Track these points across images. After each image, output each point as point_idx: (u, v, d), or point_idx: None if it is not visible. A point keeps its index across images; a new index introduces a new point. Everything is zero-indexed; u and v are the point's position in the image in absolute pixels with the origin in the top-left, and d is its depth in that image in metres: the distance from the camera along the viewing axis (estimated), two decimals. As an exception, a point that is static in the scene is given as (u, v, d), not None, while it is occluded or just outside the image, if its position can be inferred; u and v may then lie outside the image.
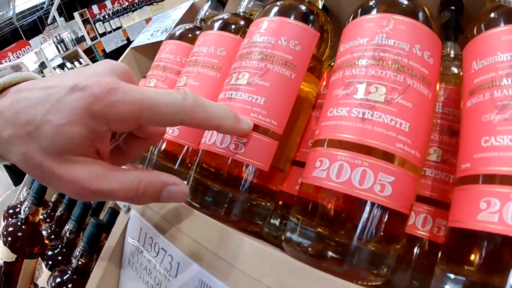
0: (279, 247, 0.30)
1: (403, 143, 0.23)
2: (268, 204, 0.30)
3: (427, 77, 0.25)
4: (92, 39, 3.15)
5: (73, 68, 2.93)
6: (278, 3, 0.34)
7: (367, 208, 0.22)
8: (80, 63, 2.95)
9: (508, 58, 0.22)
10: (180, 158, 0.36)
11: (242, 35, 0.38)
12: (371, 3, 0.29)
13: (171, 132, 0.36)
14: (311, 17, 0.32)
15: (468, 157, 0.22)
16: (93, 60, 3.04)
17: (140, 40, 0.63)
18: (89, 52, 3.11)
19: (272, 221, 0.32)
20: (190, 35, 0.46)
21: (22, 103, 0.20)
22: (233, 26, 0.39)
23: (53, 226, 0.62)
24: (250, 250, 0.22)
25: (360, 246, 0.22)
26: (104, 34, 3.11)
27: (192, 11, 0.58)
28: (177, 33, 0.46)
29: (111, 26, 3.09)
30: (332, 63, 0.36)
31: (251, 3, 0.42)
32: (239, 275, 0.22)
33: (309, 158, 0.26)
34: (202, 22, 0.48)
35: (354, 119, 0.24)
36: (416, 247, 0.27)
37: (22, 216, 0.58)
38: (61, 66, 2.93)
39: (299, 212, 0.25)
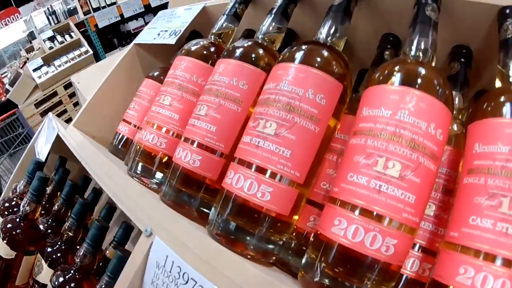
0: (289, 273, 0.35)
1: (408, 213, 0.28)
2: (284, 239, 0.34)
3: (435, 153, 0.29)
4: (85, 14, 2.96)
5: (63, 42, 2.73)
6: (304, 48, 0.35)
7: (374, 263, 0.27)
8: (71, 36, 2.79)
9: (506, 151, 0.26)
10: (202, 188, 0.38)
11: (264, 67, 0.39)
12: (396, 68, 0.31)
13: (192, 163, 0.38)
14: (337, 68, 0.34)
15: (457, 228, 0.27)
16: (85, 34, 2.92)
17: (145, 37, 0.59)
18: (81, 25, 2.96)
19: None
20: (205, 52, 0.45)
21: None
22: (253, 56, 0.39)
23: (50, 220, 0.63)
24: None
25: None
26: (98, 9, 2.96)
27: (203, 14, 0.55)
28: (193, 48, 0.46)
29: (105, 1, 2.96)
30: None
31: (271, 27, 0.42)
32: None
33: (328, 212, 0.30)
34: (217, 38, 0.48)
35: (372, 189, 0.28)
36: (402, 284, 0.33)
37: (21, 213, 0.58)
38: (51, 39, 2.76)
39: (316, 252, 0.30)
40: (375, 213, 0.27)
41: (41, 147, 0.66)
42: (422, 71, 0.30)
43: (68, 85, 2.60)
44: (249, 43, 0.41)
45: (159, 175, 0.44)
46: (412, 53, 0.33)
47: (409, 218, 0.28)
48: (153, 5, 3.05)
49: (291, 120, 0.32)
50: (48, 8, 3.02)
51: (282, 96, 0.33)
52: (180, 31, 0.53)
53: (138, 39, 0.61)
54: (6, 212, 0.63)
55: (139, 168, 0.45)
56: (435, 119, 0.28)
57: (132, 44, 0.62)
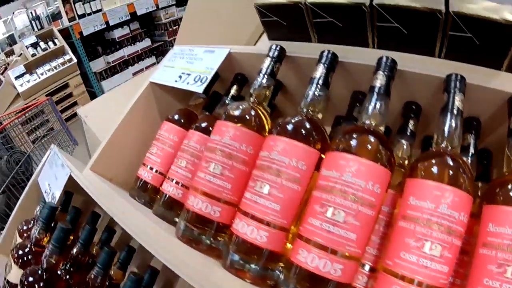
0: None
1: (443, 279, 0.38)
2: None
3: (462, 233, 0.38)
4: (70, 20, 2.82)
5: (46, 49, 2.61)
6: (356, 137, 0.41)
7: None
8: (55, 43, 2.68)
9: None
10: (266, 257, 0.43)
11: (318, 148, 0.43)
12: (435, 161, 0.39)
13: (259, 239, 0.42)
14: (387, 157, 0.40)
15: (475, 286, 0.38)
16: (69, 42, 2.77)
17: (162, 77, 0.55)
18: (65, 32, 2.80)
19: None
20: (248, 118, 0.47)
21: None
22: (308, 136, 0.43)
23: (68, 266, 0.62)
24: None
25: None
26: (83, 15, 2.85)
27: (228, 61, 0.54)
28: (236, 113, 0.46)
29: (91, 8, 2.87)
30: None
31: (315, 98, 0.46)
32: None
33: (385, 280, 0.39)
34: (256, 99, 0.48)
35: (420, 266, 0.37)
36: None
37: (43, 264, 0.56)
38: (34, 46, 2.61)
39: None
40: (420, 282, 0.37)
41: (49, 185, 0.61)
42: (456, 167, 0.39)
43: (50, 95, 2.44)
44: (301, 119, 0.44)
45: (212, 240, 0.47)
46: (444, 144, 0.41)
47: (444, 282, 0.38)
48: (139, 13, 2.87)
49: (356, 209, 0.38)
50: (31, 13, 2.81)
51: (348, 188, 0.38)
52: (206, 79, 0.52)
53: (156, 79, 0.56)
54: (20, 260, 0.60)
55: (192, 233, 0.47)
56: (465, 209, 0.38)
57: (147, 83, 0.57)
